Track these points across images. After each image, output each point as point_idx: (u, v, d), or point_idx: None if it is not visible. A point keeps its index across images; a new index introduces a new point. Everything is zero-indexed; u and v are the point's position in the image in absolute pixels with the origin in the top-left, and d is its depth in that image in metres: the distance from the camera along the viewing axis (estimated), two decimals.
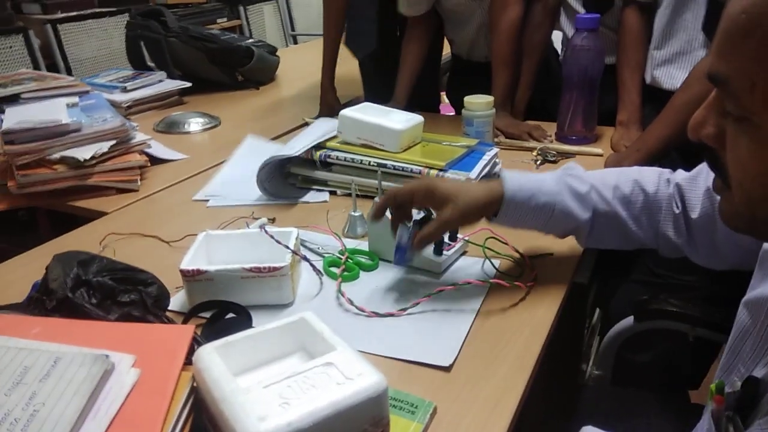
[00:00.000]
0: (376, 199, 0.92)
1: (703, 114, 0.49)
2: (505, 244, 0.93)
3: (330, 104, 1.62)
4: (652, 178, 0.80)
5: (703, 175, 0.76)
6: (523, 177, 0.80)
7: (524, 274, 0.87)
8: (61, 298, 0.67)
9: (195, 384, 0.53)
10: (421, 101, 1.56)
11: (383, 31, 1.43)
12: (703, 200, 0.74)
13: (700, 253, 0.78)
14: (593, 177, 0.82)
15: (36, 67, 2.41)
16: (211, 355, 0.52)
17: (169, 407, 0.50)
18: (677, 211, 0.77)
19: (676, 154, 1.25)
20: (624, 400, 0.96)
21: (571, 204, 0.79)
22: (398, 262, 0.82)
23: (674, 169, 1.27)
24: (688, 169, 1.24)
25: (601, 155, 1.31)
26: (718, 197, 0.65)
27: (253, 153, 1.34)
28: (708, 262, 0.78)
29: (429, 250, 0.88)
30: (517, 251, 0.91)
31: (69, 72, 2.58)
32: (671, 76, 1.27)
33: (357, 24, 1.38)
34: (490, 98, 1.29)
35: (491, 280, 0.83)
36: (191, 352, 0.56)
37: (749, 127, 0.44)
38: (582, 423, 0.71)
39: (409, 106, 1.31)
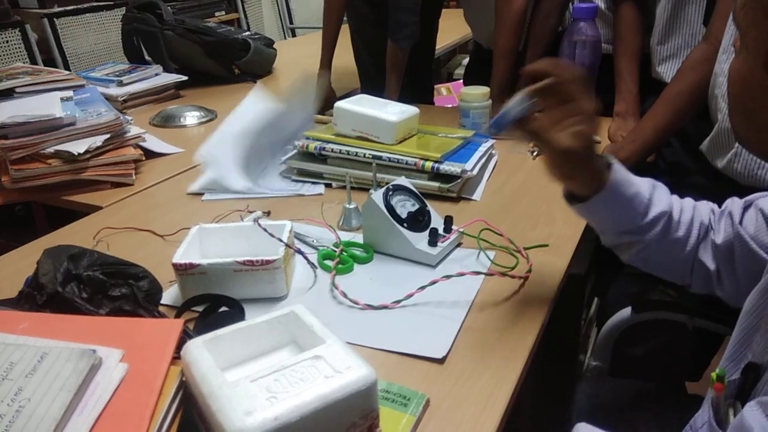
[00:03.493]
0: (372, 191, 0.92)
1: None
2: (500, 235, 0.92)
3: (326, 97, 1.61)
4: (705, 209, 0.75)
5: (728, 203, 0.74)
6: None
7: (519, 265, 0.86)
8: (51, 293, 0.66)
9: (184, 378, 0.53)
10: (415, 94, 1.55)
11: (423, 21, 1.45)
12: (725, 225, 0.72)
13: (725, 286, 0.73)
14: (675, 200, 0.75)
15: (33, 61, 2.39)
16: (200, 349, 0.52)
17: (157, 402, 0.50)
18: (712, 238, 0.73)
19: (677, 142, 1.24)
20: (622, 391, 0.96)
21: (657, 214, 0.71)
22: (493, 125, 0.68)
23: (674, 157, 1.26)
24: (687, 155, 1.24)
25: (598, 143, 1.30)
26: (738, 218, 0.71)
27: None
28: (732, 297, 0.74)
29: (424, 242, 0.87)
30: (511, 242, 0.90)
31: (66, 66, 2.57)
32: (674, 71, 1.25)
33: (400, 16, 1.39)
34: (486, 89, 1.28)
35: (485, 272, 0.83)
36: (181, 346, 0.55)
37: (741, 42, 0.54)
38: (580, 414, 0.71)
39: (403, 99, 1.30)
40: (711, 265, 0.73)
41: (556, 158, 0.67)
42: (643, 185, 0.72)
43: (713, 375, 0.51)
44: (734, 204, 0.73)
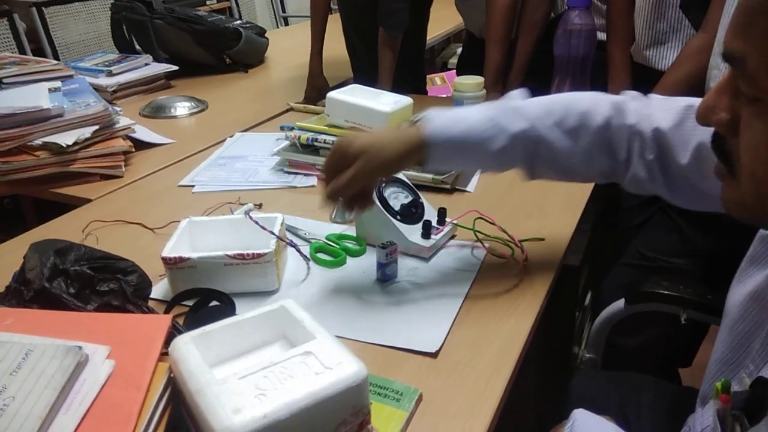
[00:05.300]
0: None
1: (713, 98, 0.46)
2: (493, 224, 0.91)
3: (319, 87, 1.59)
4: (602, 109, 0.73)
5: (690, 121, 0.69)
6: (449, 120, 0.73)
7: (515, 255, 0.85)
8: (38, 289, 0.65)
9: (172, 375, 0.52)
10: (407, 83, 1.54)
11: (413, 8, 1.44)
12: (693, 150, 0.68)
13: (681, 197, 0.72)
14: (534, 110, 0.74)
15: (22, 51, 2.36)
16: (188, 346, 0.51)
17: (144, 399, 0.49)
18: (650, 157, 0.71)
19: None
20: (615, 383, 0.96)
21: (506, 145, 0.73)
22: (381, 278, 0.81)
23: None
24: None
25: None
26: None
27: (241, 145, 1.32)
28: (687, 205, 0.74)
29: (417, 234, 0.87)
30: (505, 232, 0.90)
31: (56, 56, 2.53)
32: (663, 56, 1.25)
33: (389, 3, 1.39)
34: (480, 79, 1.27)
35: (485, 249, 0.82)
36: (170, 341, 0.54)
37: (766, 110, 0.41)
38: (573, 407, 0.70)
39: (396, 88, 1.29)
40: (649, 182, 0.72)
41: (372, 177, 0.75)
42: (476, 123, 0.73)
43: (718, 385, 0.51)
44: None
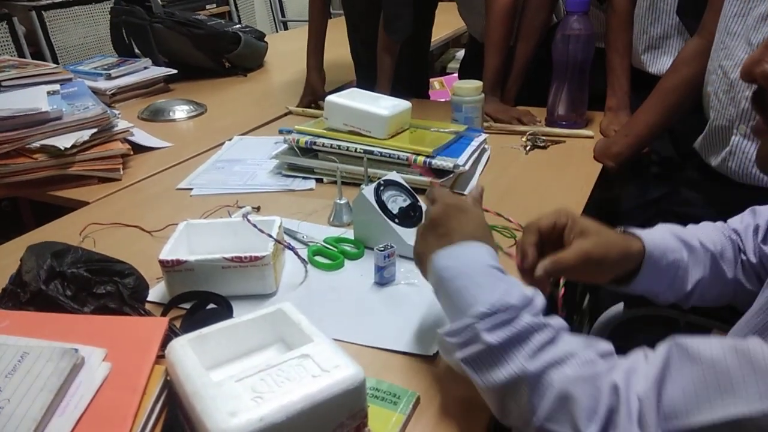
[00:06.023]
0: (363, 186, 0.91)
1: (760, 53, 0.47)
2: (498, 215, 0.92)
3: (315, 89, 1.59)
4: (716, 230, 0.75)
5: (748, 217, 0.73)
6: (658, 234, 0.70)
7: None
8: (34, 291, 0.65)
9: (168, 378, 0.52)
10: (409, 87, 1.54)
11: (417, 15, 1.45)
12: (753, 243, 0.70)
13: None
14: (695, 231, 0.74)
15: (21, 54, 2.36)
16: (184, 348, 0.51)
17: (140, 402, 0.49)
18: (744, 258, 0.72)
19: (669, 137, 1.24)
20: None
21: (690, 260, 0.70)
22: (379, 281, 0.81)
23: (665, 153, 1.26)
24: (677, 151, 1.24)
25: (591, 137, 1.29)
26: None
27: (240, 148, 1.32)
28: None
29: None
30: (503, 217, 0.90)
31: (55, 59, 2.54)
32: (656, 61, 1.25)
33: (395, 10, 1.39)
34: (479, 83, 1.27)
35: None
36: (167, 344, 0.54)
37: None
38: None
39: (398, 93, 1.29)
40: (748, 283, 0.72)
41: (594, 259, 0.66)
42: (675, 245, 0.70)
43: None
44: (758, 217, 0.71)
